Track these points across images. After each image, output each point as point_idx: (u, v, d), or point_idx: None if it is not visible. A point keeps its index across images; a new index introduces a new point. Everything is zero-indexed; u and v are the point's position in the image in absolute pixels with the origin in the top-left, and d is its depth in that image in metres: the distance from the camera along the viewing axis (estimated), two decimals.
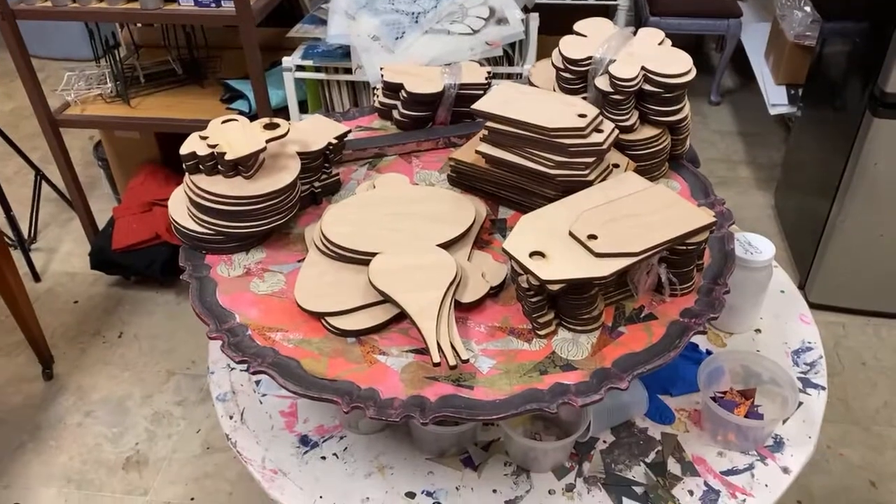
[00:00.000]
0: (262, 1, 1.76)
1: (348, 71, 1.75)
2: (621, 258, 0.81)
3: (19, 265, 2.25)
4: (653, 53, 1.04)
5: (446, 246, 0.94)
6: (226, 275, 0.96)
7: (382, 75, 1.25)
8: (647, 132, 1.05)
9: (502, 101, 1.00)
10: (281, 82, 1.86)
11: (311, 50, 1.81)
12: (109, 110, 1.98)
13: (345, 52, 1.73)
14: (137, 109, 1.99)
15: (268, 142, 0.99)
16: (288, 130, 1.01)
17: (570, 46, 1.06)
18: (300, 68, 1.79)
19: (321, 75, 1.80)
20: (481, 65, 1.69)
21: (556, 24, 2.18)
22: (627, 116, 1.03)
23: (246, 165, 0.97)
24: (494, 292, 0.91)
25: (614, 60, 1.03)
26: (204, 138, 0.99)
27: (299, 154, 1.04)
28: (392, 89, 1.25)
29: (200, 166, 0.98)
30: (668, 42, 1.08)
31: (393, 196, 1.02)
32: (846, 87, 1.96)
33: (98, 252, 2.14)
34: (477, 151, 1.02)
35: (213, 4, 1.72)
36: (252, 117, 1.91)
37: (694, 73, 1.02)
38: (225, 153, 0.95)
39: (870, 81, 1.78)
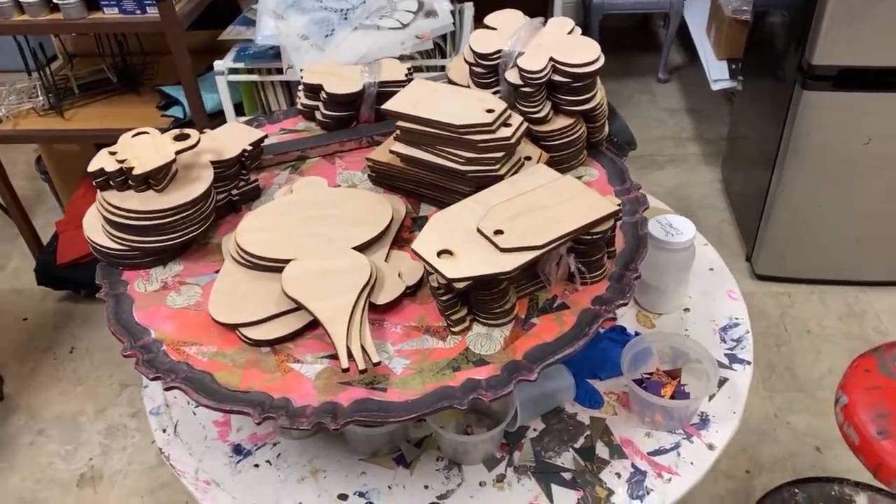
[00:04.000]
0: (189, 6, 1.74)
1: (281, 71, 1.73)
2: (526, 252, 0.82)
3: None
4: (561, 43, 1.05)
5: (363, 248, 0.94)
6: (143, 290, 0.96)
7: (302, 77, 1.25)
8: (561, 122, 1.06)
9: (413, 100, 1.00)
10: (216, 86, 1.84)
11: (242, 52, 1.79)
12: (43, 124, 1.95)
13: (276, 52, 1.72)
14: (73, 121, 1.95)
15: (178, 153, 0.98)
16: (199, 140, 1.00)
17: (479, 41, 1.06)
18: (233, 71, 1.78)
19: (254, 77, 1.78)
20: (412, 58, 1.70)
21: (493, 10, 2.18)
22: (539, 108, 1.04)
23: (156, 179, 0.96)
24: (411, 291, 0.92)
25: (523, 53, 1.03)
26: (113, 153, 0.98)
27: (213, 163, 1.03)
28: (313, 90, 1.24)
29: (111, 182, 0.97)
30: (578, 31, 1.09)
31: (310, 200, 1.02)
32: (779, 59, 1.99)
33: (43, 267, 2.11)
34: (391, 151, 1.02)
35: (139, 11, 1.70)
36: (187, 123, 1.90)
37: (602, 60, 1.03)
38: (133, 168, 0.94)
39: (799, 54, 1.81)
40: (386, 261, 0.95)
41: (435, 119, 0.95)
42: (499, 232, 0.84)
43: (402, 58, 1.66)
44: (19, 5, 1.72)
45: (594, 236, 0.86)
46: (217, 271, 0.96)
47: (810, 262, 2.10)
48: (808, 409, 1.78)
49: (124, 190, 0.97)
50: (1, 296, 2.25)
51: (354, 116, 1.25)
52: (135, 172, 0.94)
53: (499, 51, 1.04)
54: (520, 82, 1.02)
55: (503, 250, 0.82)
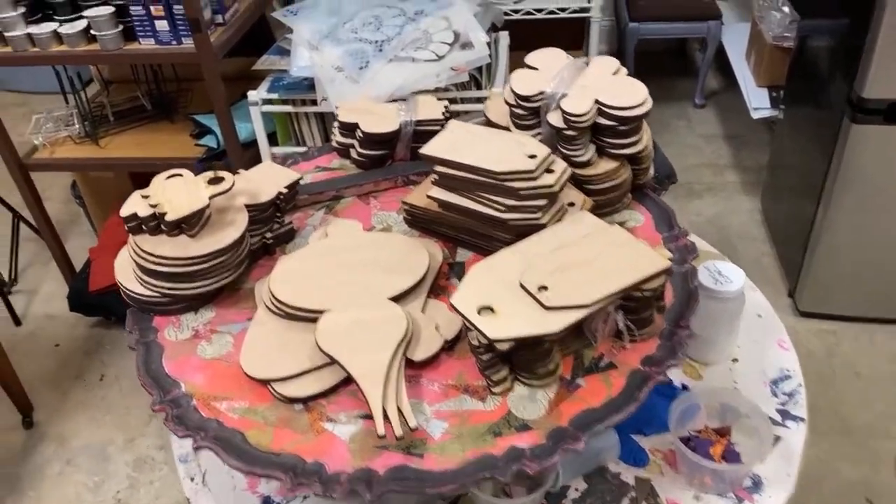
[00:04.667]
0: (224, 36, 1.73)
1: (315, 102, 1.72)
2: (572, 311, 0.78)
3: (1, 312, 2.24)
4: (606, 85, 1.01)
5: (399, 298, 0.91)
6: (173, 338, 0.93)
7: (336, 115, 1.22)
8: (605, 166, 1.02)
9: (451, 143, 0.97)
10: (250, 114, 1.83)
11: (277, 82, 1.78)
12: (79, 152, 1.96)
13: (311, 83, 1.70)
14: (108, 149, 1.96)
15: (211, 198, 0.96)
16: (233, 184, 0.98)
17: (520, 81, 1.02)
18: (267, 102, 1.77)
19: (288, 108, 1.77)
20: (447, 90, 1.67)
21: (529, 38, 2.15)
22: (582, 152, 1.00)
23: (189, 224, 0.94)
24: (449, 345, 0.88)
25: (566, 94, 0.99)
26: (146, 197, 0.96)
27: (248, 206, 1.01)
28: (348, 128, 1.22)
29: (143, 226, 0.95)
30: (623, 71, 1.05)
31: (344, 245, 0.99)
32: (825, 90, 1.92)
33: (76, 294, 2.11)
34: (428, 196, 0.99)
35: (174, 42, 1.70)
36: (221, 153, 1.89)
37: (650, 103, 0.99)
38: (166, 213, 0.92)
39: (848, 86, 1.74)
40: (422, 311, 0.91)
41: (474, 165, 0.92)
42: (543, 288, 0.80)
43: (437, 90, 1.63)
44: (58, 36, 1.73)
45: (644, 293, 0.82)
46: (249, 319, 0.93)
47: (858, 299, 2.01)
48: (858, 458, 1.69)
49: (157, 234, 0.95)
50: (33, 320, 2.26)
51: (390, 155, 1.22)
52: (168, 218, 0.92)
53: (541, 92, 1.01)
54: (563, 125, 0.98)
55: (548, 308, 0.78)
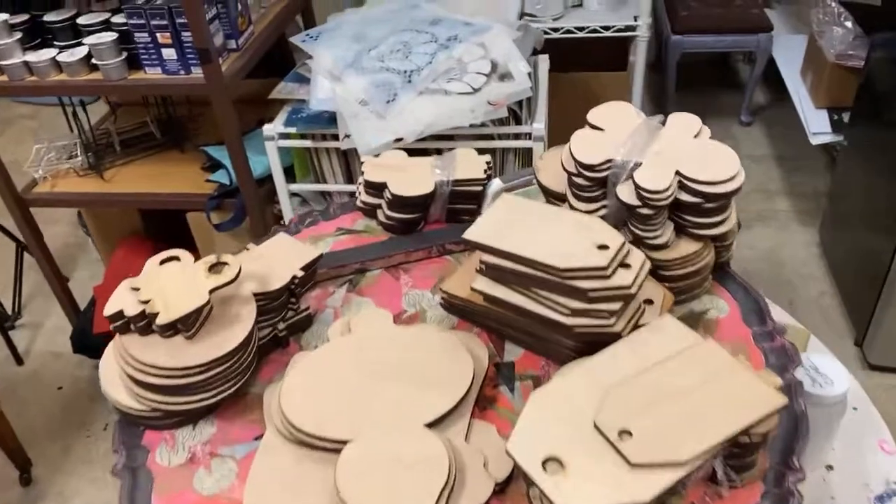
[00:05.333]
0: (237, 64, 1.58)
1: (337, 137, 1.55)
2: (666, 470, 0.61)
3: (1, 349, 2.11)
4: (688, 151, 0.83)
5: (438, 421, 0.74)
6: (166, 464, 0.77)
7: (363, 171, 1.06)
8: (685, 248, 0.84)
9: (500, 225, 0.80)
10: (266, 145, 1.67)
11: (294, 115, 1.62)
12: (83, 185, 1.81)
13: (332, 116, 1.54)
14: (113, 182, 1.82)
15: (212, 291, 0.80)
16: (238, 273, 0.82)
17: (583, 147, 0.85)
18: (284, 136, 1.61)
19: (307, 143, 1.61)
20: (483, 126, 1.50)
21: (567, 57, 1.97)
22: (659, 233, 0.83)
23: (185, 324, 0.78)
24: (500, 488, 0.71)
25: (640, 164, 0.82)
26: (136, 289, 0.80)
27: (257, 295, 0.85)
28: (375, 188, 1.05)
29: (132, 326, 0.79)
30: (707, 132, 0.87)
31: (371, 344, 0.83)
32: None
33: (79, 335, 1.98)
34: (473, 289, 0.82)
35: (182, 72, 1.54)
36: (234, 191, 1.74)
37: (742, 177, 0.81)
38: (157, 313, 0.77)
39: None
40: (466, 439, 0.74)
41: (531, 258, 0.75)
42: (626, 433, 0.63)
43: (472, 127, 1.47)
44: (57, 64, 1.59)
45: (752, 439, 0.64)
46: (257, 437, 0.77)
47: None
48: None
49: (147, 334, 0.80)
50: (37, 358, 2.13)
51: (423, 218, 1.05)
52: (159, 322, 0.76)
53: (608, 161, 0.83)
54: (636, 202, 0.81)
55: (634, 465, 0.61)
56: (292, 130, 1.60)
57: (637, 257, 0.76)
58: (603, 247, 0.75)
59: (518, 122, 1.54)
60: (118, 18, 1.56)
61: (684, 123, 0.87)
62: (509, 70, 1.48)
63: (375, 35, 1.59)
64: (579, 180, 0.86)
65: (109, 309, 0.79)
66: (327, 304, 0.96)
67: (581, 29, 1.95)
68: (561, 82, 1.81)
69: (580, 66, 2.13)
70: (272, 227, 1.76)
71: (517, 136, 1.53)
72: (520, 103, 1.54)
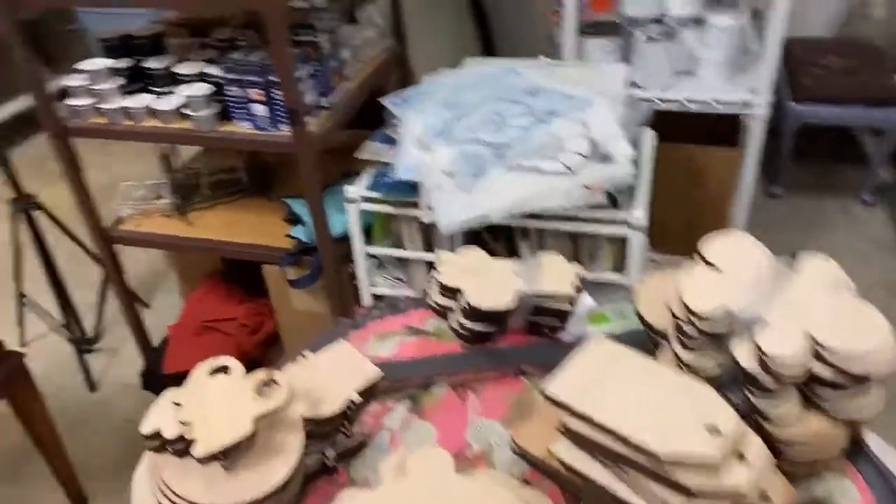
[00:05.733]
0: (327, 123, 1.53)
1: (418, 205, 1.48)
2: None
3: (75, 371, 2.14)
4: (824, 310, 0.69)
5: None
6: None
7: (439, 269, 0.97)
8: (814, 426, 0.70)
9: (588, 381, 0.68)
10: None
11: (379, 178, 1.55)
12: (167, 227, 1.81)
13: (416, 184, 1.46)
14: (196, 226, 1.81)
15: (258, 419, 0.72)
16: (289, 398, 0.73)
17: (694, 289, 0.73)
18: (366, 199, 1.54)
19: (388, 209, 1.54)
20: (576, 210, 1.38)
21: (673, 125, 1.82)
22: (782, 409, 0.69)
23: (225, 454, 0.70)
24: None
25: (764, 320, 0.69)
26: (178, 405, 0.73)
27: (307, 420, 0.76)
28: (450, 291, 0.95)
29: (168, 448, 0.72)
30: (849, 286, 0.73)
31: (427, 494, 0.73)
32: None
33: (150, 373, 1.98)
34: (550, 451, 0.70)
35: (271, 128, 1.51)
36: (311, 249, 1.69)
37: (893, 353, 0.66)
38: (194, 440, 0.69)
39: None
40: None
41: (623, 434, 0.63)
42: None
43: (565, 210, 1.36)
44: (153, 110, 1.59)
45: None
46: None
47: None
48: None
49: (184, 457, 0.72)
50: (110, 388, 2.15)
51: (500, 331, 0.95)
52: (197, 454, 0.68)
53: (724, 310, 0.70)
54: (758, 370, 0.67)
55: None
56: (375, 195, 1.53)
57: (755, 446, 0.63)
58: (714, 429, 0.62)
59: (615, 205, 1.41)
60: (213, 69, 1.55)
61: (820, 272, 0.73)
62: (610, 152, 1.36)
63: (468, 102, 1.50)
64: (688, 328, 0.73)
65: (147, 427, 0.72)
66: (384, 423, 0.87)
67: (692, 102, 1.80)
68: (662, 151, 1.66)
69: (685, 135, 1.97)
70: (345, 289, 1.70)
71: (613, 222, 1.41)
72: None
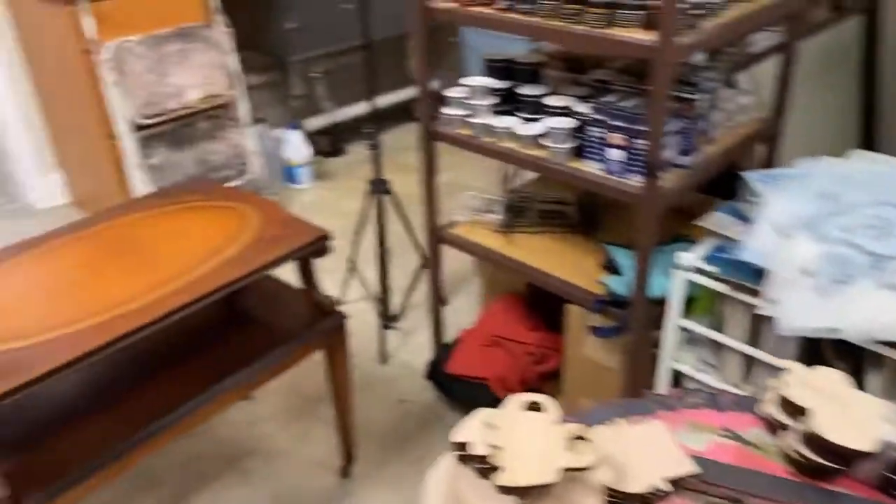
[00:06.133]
0: (679, 183, 1.47)
1: (756, 294, 1.34)
2: None
3: (373, 341, 2.37)
4: None
5: None
6: None
7: (786, 383, 0.85)
8: None
9: None
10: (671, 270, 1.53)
11: (718, 253, 1.45)
12: (490, 240, 1.91)
13: (760, 270, 1.33)
14: (516, 247, 1.87)
15: (565, 471, 0.69)
16: (598, 462, 0.70)
17: None
18: (699, 271, 1.45)
19: (720, 287, 1.42)
20: None
21: None
22: None
23: (524, 493, 0.69)
24: None
25: None
26: (491, 426, 0.74)
27: (608, 489, 0.72)
28: (792, 408, 0.84)
29: (471, 463, 0.74)
30: None
31: None
32: None
33: (434, 366, 2.10)
34: None
35: (621, 175, 1.49)
36: (622, 302, 1.64)
37: None
38: (499, 468, 0.69)
39: None
40: None
41: None
42: None
43: None
44: (514, 134, 1.68)
45: None
46: None
47: None
48: None
49: (485, 478, 0.73)
50: (396, 367, 2.33)
51: (843, 472, 0.80)
52: (499, 482, 0.68)
53: None
54: None
55: None
56: (711, 269, 1.43)
57: None
58: None
59: None
60: (581, 106, 1.58)
61: None
62: None
63: (850, 199, 1.32)
64: None
65: (459, 436, 0.74)
66: None
67: None
68: None
69: None
70: (644, 354, 1.62)
71: None
72: None
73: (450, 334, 2.22)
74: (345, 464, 1.94)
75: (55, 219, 3.19)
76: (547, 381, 1.96)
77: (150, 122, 2.68)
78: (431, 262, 2.04)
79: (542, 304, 1.99)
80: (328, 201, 3.39)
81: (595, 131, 1.52)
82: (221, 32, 2.83)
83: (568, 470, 0.70)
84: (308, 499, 1.88)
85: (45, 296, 1.38)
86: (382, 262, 2.36)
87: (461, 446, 0.74)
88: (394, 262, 2.45)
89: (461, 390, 2.01)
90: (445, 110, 1.77)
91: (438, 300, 2.11)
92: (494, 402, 0.76)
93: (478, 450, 0.72)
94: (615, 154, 1.49)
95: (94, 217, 1.66)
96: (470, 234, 1.95)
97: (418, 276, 2.56)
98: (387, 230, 2.34)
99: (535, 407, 0.77)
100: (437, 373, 2.09)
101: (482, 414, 0.76)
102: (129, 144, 2.68)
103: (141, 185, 2.75)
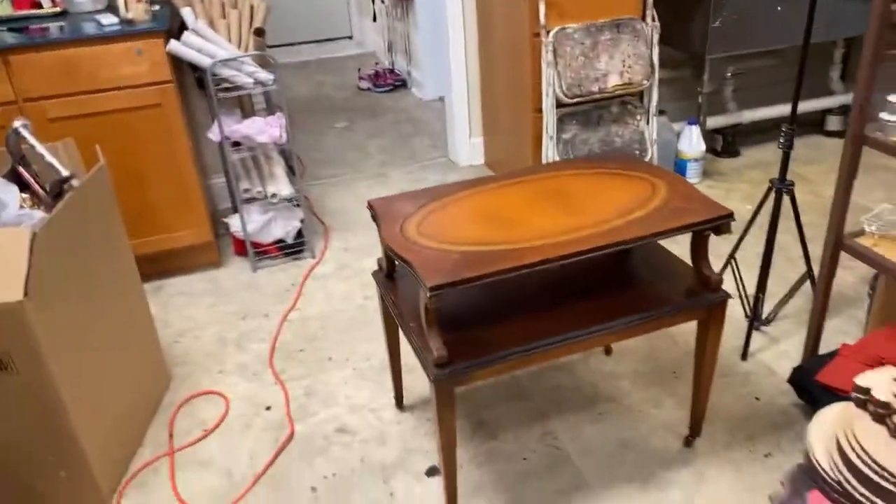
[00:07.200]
0: None
1: None
2: None
3: (739, 338, 2.40)
4: None
5: None
6: None
7: None
8: None
9: None
10: None
11: None
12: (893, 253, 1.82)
13: None
14: None
15: None
16: None
17: None
18: None
19: None
20: None
21: None
22: None
23: None
24: None
25: None
26: None
27: None
28: None
29: (870, 407, 0.83)
30: None
31: None
32: None
33: (801, 372, 2.07)
34: None
35: None
36: None
37: None
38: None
39: None
40: None
41: None
42: None
43: None
44: None
45: None
46: None
47: None
48: None
49: (881, 424, 0.82)
50: (754, 363, 2.34)
51: None
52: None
53: None
54: None
55: None
56: None
57: None
58: None
59: None
60: None
61: None
62: None
63: None
64: None
65: (861, 380, 0.84)
66: None
67: None
68: None
69: None
70: None
71: None
72: None
73: (822, 348, 2.17)
74: (690, 435, 2.06)
75: (472, 175, 3.83)
76: None
77: (572, 101, 3.06)
78: (825, 269, 2.01)
79: None
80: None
81: None
82: (651, 26, 3.07)
83: None
84: (652, 454, 2.04)
85: (502, 220, 1.77)
86: (767, 261, 2.38)
87: (864, 391, 0.83)
88: (776, 264, 2.44)
89: (827, 400, 1.96)
90: (884, 115, 1.74)
91: (824, 308, 2.07)
92: None
93: (880, 394, 0.81)
94: None
95: (535, 168, 2.03)
96: (877, 246, 1.88)
97: (798, 285, 2.51)
98: (776, 232, 2.34)
99: None
100: (803, 378, 2.07)
101: (892, 370, 0.84)
102: (549, 118, 3.10)
103: (551, 154, 3.15)
